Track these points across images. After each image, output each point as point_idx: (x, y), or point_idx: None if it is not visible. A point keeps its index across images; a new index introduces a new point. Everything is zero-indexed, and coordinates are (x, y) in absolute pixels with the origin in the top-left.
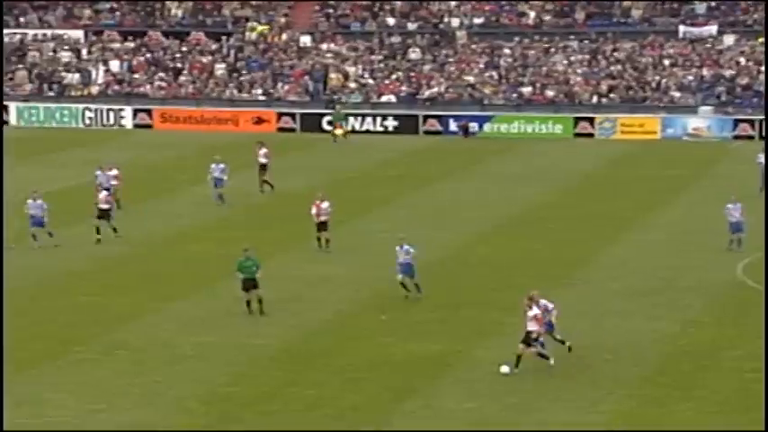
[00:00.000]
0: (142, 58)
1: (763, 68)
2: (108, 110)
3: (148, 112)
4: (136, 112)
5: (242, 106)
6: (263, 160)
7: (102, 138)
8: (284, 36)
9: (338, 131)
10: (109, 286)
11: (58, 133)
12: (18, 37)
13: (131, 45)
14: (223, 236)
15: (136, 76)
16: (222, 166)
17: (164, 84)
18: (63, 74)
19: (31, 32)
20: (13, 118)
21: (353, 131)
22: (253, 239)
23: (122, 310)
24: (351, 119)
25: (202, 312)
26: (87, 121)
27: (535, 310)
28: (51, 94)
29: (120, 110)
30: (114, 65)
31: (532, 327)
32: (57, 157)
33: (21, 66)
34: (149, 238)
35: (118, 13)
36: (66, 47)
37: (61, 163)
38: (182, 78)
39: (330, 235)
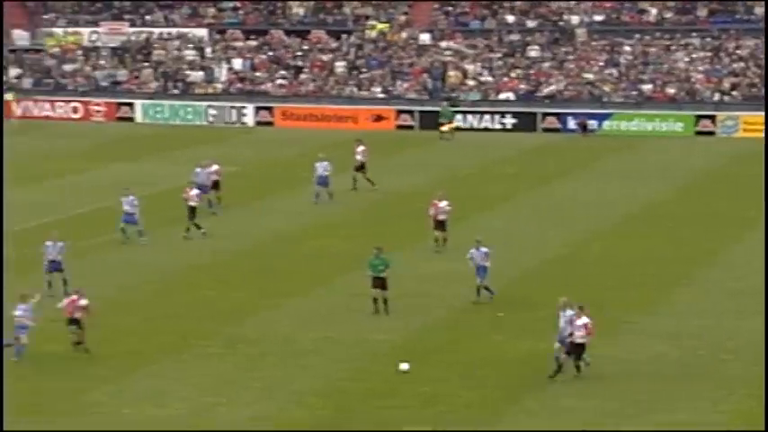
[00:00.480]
0: (264, 57)
1: None
2: (230, 107)
3: (270, 109)
4: (257, 109)
5: (361, 104)
6: (360, 158)
7: (224, 135)
8: (404, 34)
9: (445, 128)
10: (229, 282)
11: (182, 130)
12: (144, 35)
13: (254, 43)
14: (342, 233)
15: (258, 74)
16: (326, 163)
17: (285, 82)
18: (187, 72)
19: (156, 31)
20: (138, 115)
21: (472, 129)
22: (370, 236)
23: (242, 306)
24: (469, 116)
25: (321, 308)
26: (210, 119)
27: (584, 319)
28: (176, 91)
29: (243, 107)
30: (237, 63)
31: (580, 336)
32: (181, 154)
33: (146, 64)
34: (269, 234)
35: (241, 12)
36: (190, 45)
37: (185, 159)
38: (302, 76)
39: (447, 234)
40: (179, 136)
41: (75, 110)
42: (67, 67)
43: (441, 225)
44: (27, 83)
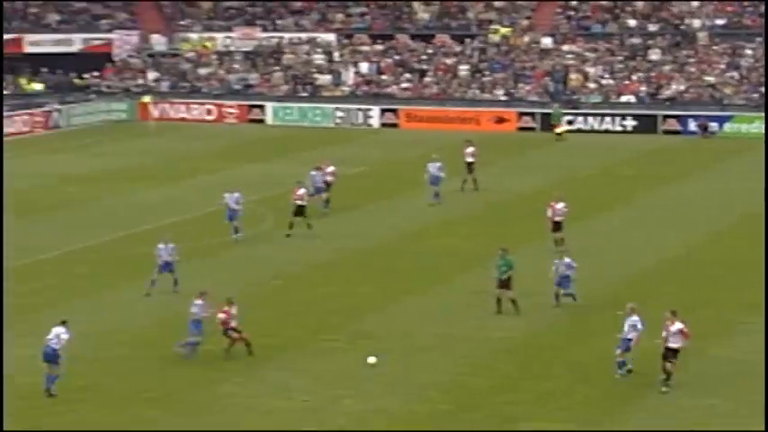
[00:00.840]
0: (390, 60)
1: None
2: (357, 109)
3: (395, 111)
4: (383, 111)
5: (484, 106)
6: (470, 159)
7: (350, 136)
8: (526, 38)
9: (558, 130)
10: (352, 279)
11: (311, 132)
12: (275, 40)
13: (380, 47)
14: (463, 232)
15: (383, 77)
16: (439, 164)
17: (409, 84)
18: (316, 75)
19: (287, 36)
20: (269, 117)
21: (593, 131)
22: (490, 235)
23: (365, 302)
24: (590, 118)
25: (442, 305)
26: (338, 121)
27: (678, 325)
28: (305, 94)
29: (369, 110)
30: (363, 66)
31: (676, 342)
32: (309, 155)
33: (277, 67)
34: (393, 233)
35: (368, 17)
36: (319, 49)
37: (313, 160)
38: (426, 79)
39: (563, 234)
40: (307, 137)
41: (208, 112)
42: (202, 71)
43: (557, 226)
44: (164, 86)
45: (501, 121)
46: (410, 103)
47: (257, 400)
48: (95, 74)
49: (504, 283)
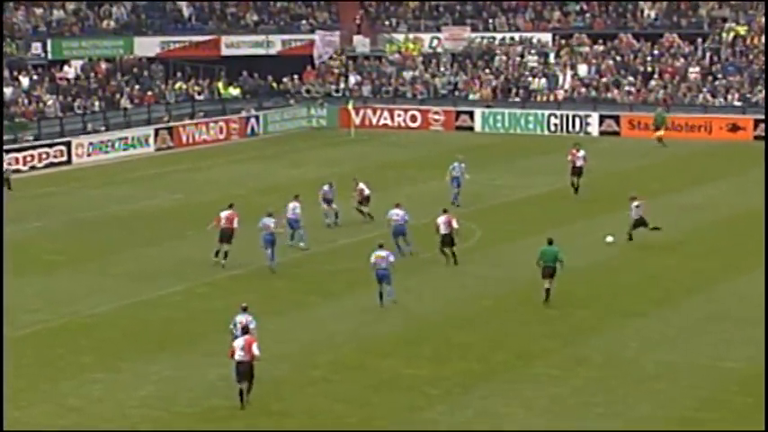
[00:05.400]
0: (611, 62)
1: None
2: (573, 116)
3: (616, 118)
4: (602, 118)
5: (716, 113)
6: (580, 163)
7: (566, 145)
8: (764, 37)
9: (658, 134)
10: (569, 298)
11: (522, 140)
12: (485, 41)
13: (601, 48)
14: (689, 250)
15: (604, 80)
16: (461, 165)
17: (632, 89)
18: (529, 78)
19: (499, 36)
20: (478, 124)
21: None
22: (718, 255)
23: (584, 324)
24: None
25: (668, 330)
26: (552, 128)
27: None
28: (516, 99)
29: (587, 116)
30: (582, 69)
31: None
32: (522, 165)
33: (487, 70)
34: (609, 250)
35: (588, 15)
36: (533, 50)
37: (525, 170)
38: (652, 83)
39: None
40: (519, 146)
41: (413, 118)
42: (407, 74)
43: None
44: (366, 90)
45: (735, 129)
46: (633, 109)
47: (462, 429)
48: (294, 77)
49: None
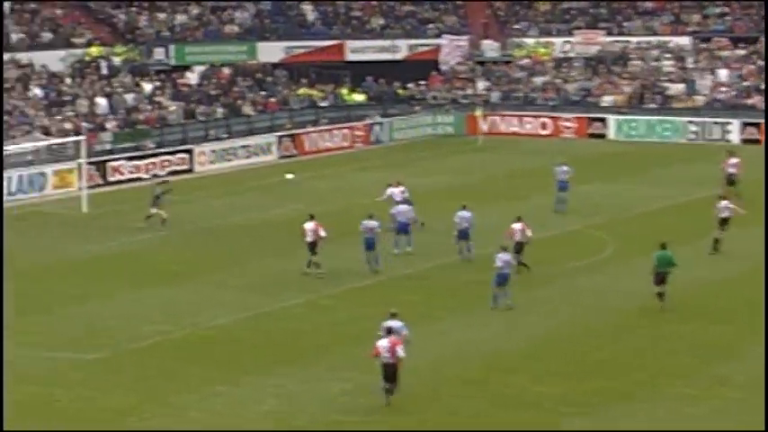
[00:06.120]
0: (753, 66)
1: None
2: (713, 123)
3: (758, 125)
4: (744, 125)
5: None
6: (732, 170)
7: (705, 153)
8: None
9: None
10: (707, 314)
11: (659, 148)
12: (620, 45)
13: (742, 52)
14: None
15: (745, 84)
16: (565, 168)
17: None
18: (666, 84)
19: (634, 40)
20: (611, 131)
21: None
22: None
23: (726, 342)
24: None
25: None
26: (691, 136)
27: None
28: (653, 105)
29: (727, 123)
30: (722, 74)
31: None
32: (658, 174)
33: (622, 76)
34: (751, 262)
35: (729, 17)
36: (670, 55)
37: (663, 180)
38: None
39: None
40: (655, 154)
41: (543, 125)
42: (537, 80)
43: None
44: (494, 96)
45: None
46: None
47: None
48: (420, 83)
49: None
